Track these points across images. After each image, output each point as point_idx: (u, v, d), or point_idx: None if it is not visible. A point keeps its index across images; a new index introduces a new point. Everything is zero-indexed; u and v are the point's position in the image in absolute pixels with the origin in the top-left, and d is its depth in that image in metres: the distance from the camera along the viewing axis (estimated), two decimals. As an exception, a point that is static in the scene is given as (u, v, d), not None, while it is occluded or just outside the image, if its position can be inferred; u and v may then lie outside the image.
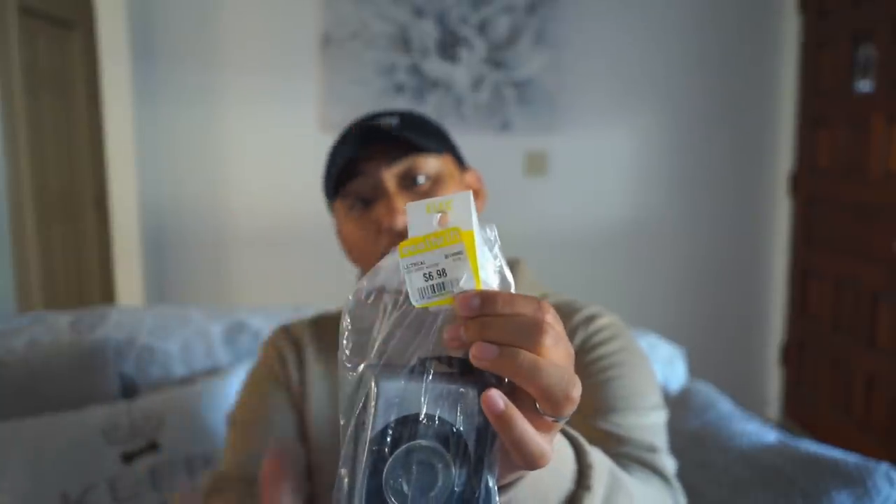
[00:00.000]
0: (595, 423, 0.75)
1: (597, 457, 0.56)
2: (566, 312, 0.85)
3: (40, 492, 1.10)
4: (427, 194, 0.79)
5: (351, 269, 0.91)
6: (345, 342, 0.42)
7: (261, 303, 2.79)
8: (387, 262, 0.42)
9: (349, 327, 0.42)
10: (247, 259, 2.93)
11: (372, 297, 0.42)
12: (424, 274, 0.40)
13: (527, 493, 0.48)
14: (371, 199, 0.80)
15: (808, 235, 2.85)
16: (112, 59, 2.71)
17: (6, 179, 3.03)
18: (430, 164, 0.81)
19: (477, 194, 0.89)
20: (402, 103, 2.82)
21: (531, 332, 0.39)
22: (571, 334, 0.82)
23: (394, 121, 0.81)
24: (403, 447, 0.39)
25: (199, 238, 2.92)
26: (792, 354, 2.97)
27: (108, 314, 1.42)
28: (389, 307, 0.41)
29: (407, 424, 0.39)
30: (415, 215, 0.41)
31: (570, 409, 0.41)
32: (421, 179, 0.80)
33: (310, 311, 1.44)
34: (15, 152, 3.16)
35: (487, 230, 0.42)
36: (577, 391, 0.40)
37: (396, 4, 2.78)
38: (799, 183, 2.90)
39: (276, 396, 0.88)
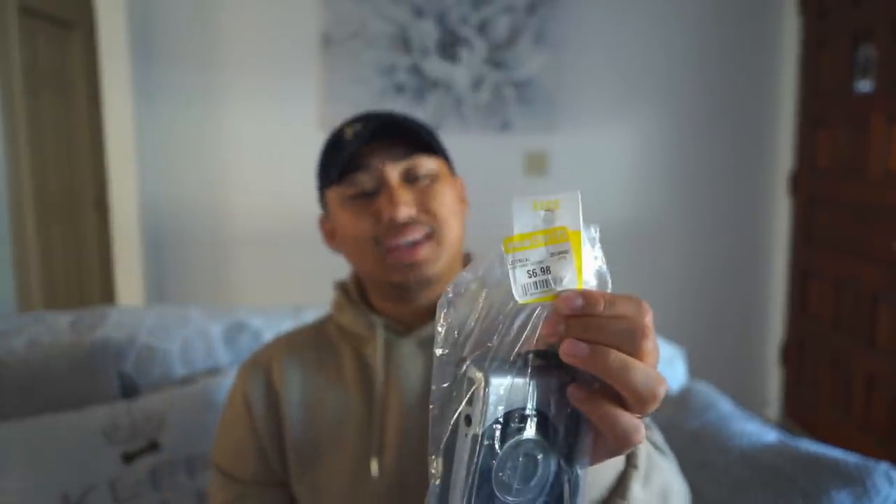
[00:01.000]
0: None
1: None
2: None
3: (41, 492, 1.10)
4: (426, 192, 0.82)
5: (349, 268, 0.91)
6: (441, 331, 0.42)
7: (261, 302, 2.79)
8: (487, 255, 0.42)
9: (448, 319, 0.42)
10: (247, 259, 2.93)
11: (472, 288, 0.42)
12: (528, 270, 0.40)
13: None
14: (371, 192, 0.82)
15: (808, 235, 2.85)
16: (112, 58, 2.71)
17: (6, 179, 3.03)
18: (431, 163, 0.83)
19: (461, 200, 0.91)
20: (402, 103, 2.82)
21: (632, 337, 0.40)
22: None
23: (397, 118, 0.84)
24: (513, 441, 0.40)
25: (198, 238, 2.92)
26: (792, 354, 2.97)
27: (108, 314, 1.42)
28: (489, 301, 0.41)
29: (513, 418, 0.40)
30: (521, 211, 0.41)
31: (655, 407, 0.41)
32: (422, 176, 0.82)
33: (310, 311, 1.44)
34: (15, 152, 3.16)
35: (592, 229, 0.43)
36: (663, 389, 0.41)
37: (396, 4, 2.78)
38: (799, 183, 2.91)
39: (251, 435, 0.88)
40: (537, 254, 0.41)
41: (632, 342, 0.40)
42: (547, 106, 2.86)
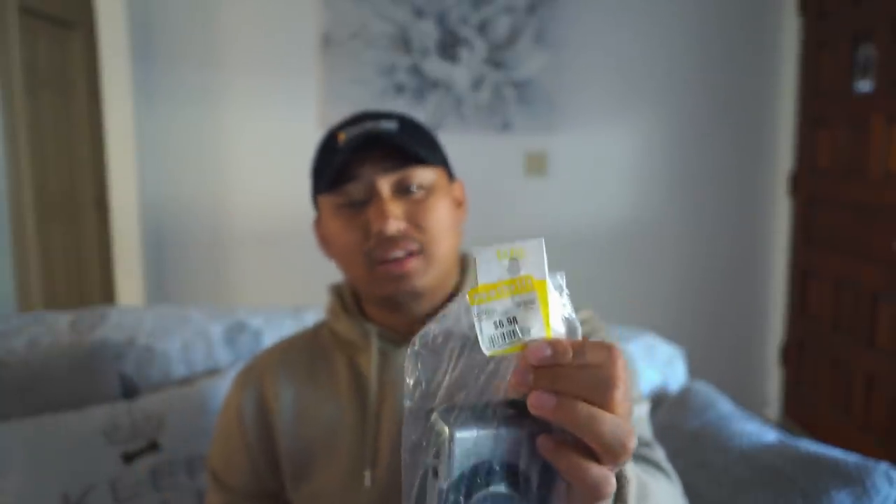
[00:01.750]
0: None
1: (629, 468, 0.57)
2: None
3: (41, 492, 1.10)
4: (418, 205, 0.80)
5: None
6: (410, 383, 0.42)
7: (261, 303, 2.79)
8: (453, 306, 0.42)
9: (416, 370, 0.42)
10: (247, 259, 2.93)
11: (439, 341, 0.42)
12: (495, 321, 0.40)
13: None
14: (363, 202, 0.80)
15: (808, 235, 2.85)
16: (112, 58, 2.71)
17: (6, 179, 3.03)
18: (425, 174, 0.81)
19: (459, 205, 0.89)
20: (402, 103, 2.82)
21: (601, 388, 0.40)
22: None
23: (392, 125, 0.81)
24: (480, 494, 0.40)
25: (198, 238, 2.92)
26: (792, 354, 2.97)
27: (108, 314, 1.42)
28: (457, 351, 0.41)
29: (481, 471, 0.40)
30: (485, 261, 0.41)
31: (626, 459, 0.41)
32: (414, 188, 0.80)
33: (310, 312, 1.44)
34: (15, 152, 3.16)
35: (558, 277, 0.42)
36: (632, 442, 0.40)
37: (396, 4, 2.78)
38: (799, 183, 2.91)
39: (242, 447, 0.89)
40: (503, 304, 0.40)
41: (601, 393, 0.40)
42: (547, 106, 2.86)
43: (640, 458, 0.74)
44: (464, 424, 0.39)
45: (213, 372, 1.37)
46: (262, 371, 0.91)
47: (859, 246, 2.48)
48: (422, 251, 0.80)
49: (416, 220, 0.79)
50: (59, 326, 1.39)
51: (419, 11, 2.79)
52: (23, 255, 3.22)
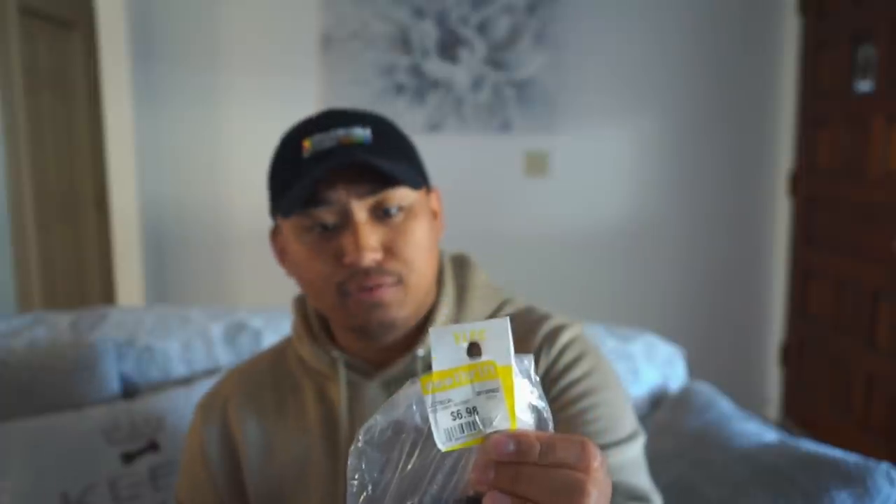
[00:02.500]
0: None
1: None
2: (526, 326, 0.79)
3: (41, 492, 1.11)
4: (399, 227, 0.72)
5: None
6: (354, 485, 0.38)
7: (261, 303, 2.79)
8: (404, 394, 0.37)
9: (360, 470, 0.37)
10: (246, 259, 2.93)
11: (387, 435, 0.37)
12: (452, 412, 0.36)
13: None
14: (334, 226, 0.71)
15: (808, 235, 2.85)
16: (112, 59, 2.71)
17: (6, 179, 3.04)
18: (405, 194, 0.72)
19: (435, 216, 0.80)
20: (402, 104, 2.82)
21: (569, 493, 0.35)
22: (536, 355, 0.73)
23: (365, 133, 0.72)
24: None
25: (198, 238, 2.92)
26: (792, 354, 2.97)
27: (108, 314, 1.42)
28: (408, 447, 0.36)
29: None
30: (441, 344, 0.36)
31: None
32: (394, 211, 0.71)
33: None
34: (15, 152, 3.16)
35: (525, 361, 0.37)
36: None
37: (396, 5, 2.78)
38: (799, 183, 2.91)
39: (208, 482, 0.84)
40: (461, 393, 0.36)
41: (567, 498, 0.35)
42: (547, 106, 2.86)
43: None
44: None
45: (213, 372, 1.37)
46: (225, 400, 0.85)
47: (859, 246, 2.48)
48: (399, 281, 0.72)
49: (393, 249, 0.71)
50: (59, 326, 1.39)
51: (419, 12, 2.79)
52: (23, 255, 3.22)
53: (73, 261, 3.81)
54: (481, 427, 0.35)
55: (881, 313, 2.36)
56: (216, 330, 1.41)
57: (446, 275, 0.82)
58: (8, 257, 3.04)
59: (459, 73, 2.83)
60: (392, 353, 0.78)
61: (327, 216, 0.70)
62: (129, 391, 1.36)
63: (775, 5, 2.90)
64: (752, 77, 2.93)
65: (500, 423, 0.35)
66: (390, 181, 0.70)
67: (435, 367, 0.36)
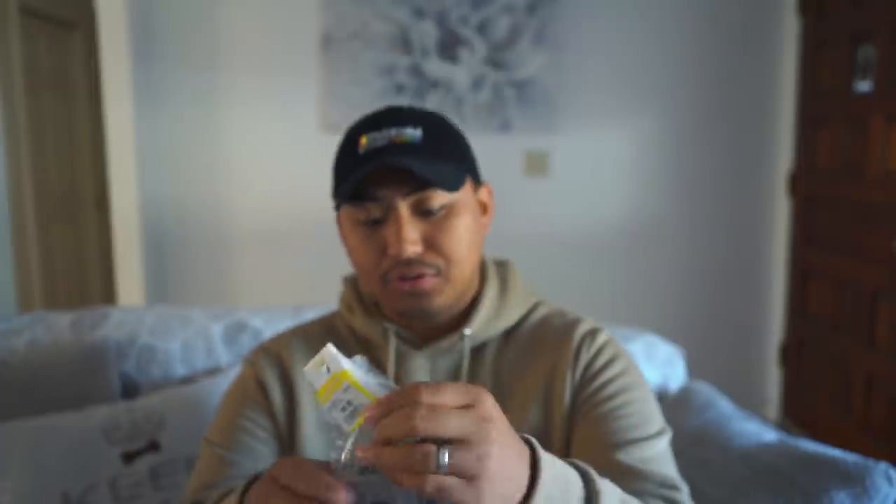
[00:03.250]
0: (612, 456, 0.76)
1: (606, 485, 0.60)
2: (562, 326, 0.87)
3: (41, 491, 1.11)
4: (439, 227, 0.77)
5: (348, 269, 0.91)
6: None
7: (261, 303, 2.79)
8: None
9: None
10: (247, 259, 2.94)
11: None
12: (341, 408, 0.54)
13: None
14: (381, 220, 0.78)
15: (807, 235, 2.86)
16: (113, 59, 2.72)
17: (7, 179, 3.04)
18: (447, 193, 0.78)
19: (485, 209, 0.87)
20: (403, 104, 2.82)
21: (400, 423, 0.49)
22: (575, 352, 0.83)
23: (417, 134, 0.77)
24: None
25: (199, 238, 2.92)
26: (791, 354, 2.98)
27: (108, 314, 1.42)
28: (336, 433, 0.55)
29: None
30: (313, 375, 0.55)
31: (418, 478, 0.49)
32: (435, 208, 0.77)
33: (310, 312, 1.44)
34: (16, 153, 3.17)
35: (357, 359, 0.57)
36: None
37: (396, 5, 2.78)
38: (798, 183, 2.91)
39: (252, 423, 0.84)
40: (337, 396, 0.54)
41: (403, 427, 0.49)
42: (547, 106, 2.86)
43: (660, 498, 0.73)
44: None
45: (213, 371, 1.37)
46: (278, 350, 0.89)
47: (859, 245, 2.49)
48: (438, 273, 0.78)
49: (435, 243, 0.77)
50: (59, 326, 1.39)
51: (419, 12, 2.79)
52: (24, 255, 3.22)
53: (74, 260, 3.81)
54: (359, 408, 0.54)
55: (880, 313, 2.36)
56: (216, 330, 1.41)
57: (490, 272, 0.89)
58: (9, 257, 3.04)
59: (459, 74, 2.83)
60: (439, 331, 0.85)
61: (374, 211, 0.77)
62: (130, 391, 1.36)
63: (775, 5, 2.90)
64: (751, 77, 2.93)
65: (363, 401, 0.54)
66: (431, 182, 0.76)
67: (315, 388, 0.55)
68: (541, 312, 0.89)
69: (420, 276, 0.77)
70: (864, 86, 2.46)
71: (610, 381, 0.81)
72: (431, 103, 2.83)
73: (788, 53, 2.91)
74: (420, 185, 0.75)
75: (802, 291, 2.89)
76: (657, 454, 0.77)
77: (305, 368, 0.56)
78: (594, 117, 2.92)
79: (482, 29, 2.81)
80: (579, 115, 2.90)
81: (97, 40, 2.74)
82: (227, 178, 2.90)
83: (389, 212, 0.76)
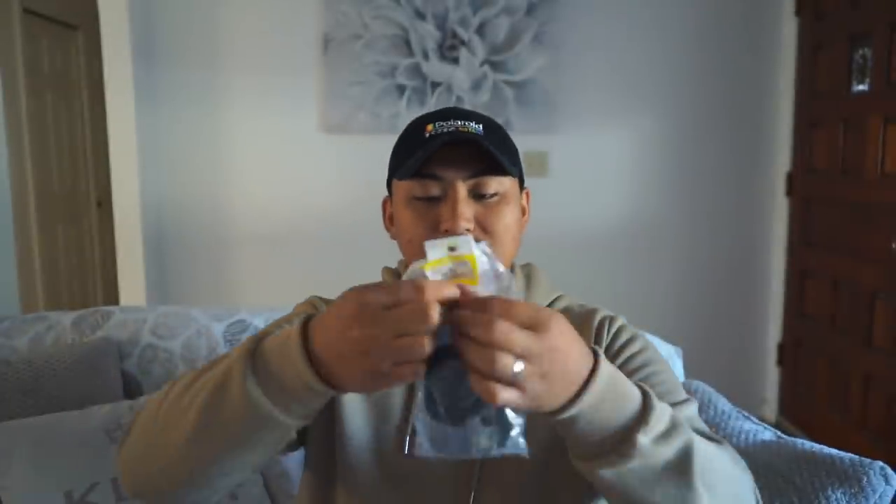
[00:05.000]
0: None
1: (660, 404, 0.65)
2: (583, 314, 0.93)
3: (44, 490, 1.12)
4: (490, 210, 0.83)
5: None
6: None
7: (263, 302, 2.80)
8: (412, 271, 0.60)
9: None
10: (248, 259, 2.95)
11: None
12: (443, 274, 0.59)
13: (590, 414, 0.60)
14: (437, 198, 0.83)
15: (805, 236, 2.86)
16: (115, 59, 2.72)
17: (10, 179, 3.05)
18: (502, 182, 0.84)
19: (524, 212, 0.94)
20: (403, 105, 2.83)
21: (487, 325, 0.53)
22: (597, 333, 0.89)
23: (478, 128, 0.84)
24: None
25: (201, 238, 2.93)
26: (789, 354, 2.98)
27: (110, 314, 1.43)
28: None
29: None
30: (432, 248, 0.60)
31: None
32: (490, 194, 0.83)
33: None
34: (19, 153, 3.18)
35: (484, 245, 0.62)
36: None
37: (397, 6, 2.79)
38: (796, 183, 2.92)
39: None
40: (445, 266, 0.59)
41: (482, 334, 0.53)
42: (547, 107, 2.87)
43: (711, 440, 0.76)
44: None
45: (214, 371, 1.37)
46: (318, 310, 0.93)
47: (856, 246, 2.49)
48: None
49: (485, 224, 0.82)
50: (62, 326, 1.40)
51: (420, 13, 2.80)
52: (26, 255, 3.23)
53: (76, 261, 3.82)
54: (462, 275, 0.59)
55: (878, 313, 2.37)
56: (218, 329, 1.42)
57: (517, 270, 0.96)
58: (11, 257, 3.05)
59: (459, 74, 2.84)
60: None
61: (434, 188, 0.83)
62: (132, 390, 1.37)
63: (772, 6, 2.91)
64: (749, 78, 2.94)
65: (469, 272, 0.59)
66: (489, 170, 0.83)
67: (429, 258, 0.59)
68: (563, 303, 0.96)
69: None
70: (861, 86, 2.47)
71: (634, 355, 0.86)
72: (432, 104, 2.84)
73: (786, 54, 2.91)
74: (479, 171, 0.82)
75: (800, 291, 2.90)
76: (692, 415, 0.80)
77: (430, 241, 0.60)
78: (593, 118, 2.93)
79: (482, 30, 2.82)
80: (578, 115, 2.91)
81: (99, 41, 2.75)
82: (228, 178, 2.91)
83: (448, 190, 0.82)
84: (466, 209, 0.81)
